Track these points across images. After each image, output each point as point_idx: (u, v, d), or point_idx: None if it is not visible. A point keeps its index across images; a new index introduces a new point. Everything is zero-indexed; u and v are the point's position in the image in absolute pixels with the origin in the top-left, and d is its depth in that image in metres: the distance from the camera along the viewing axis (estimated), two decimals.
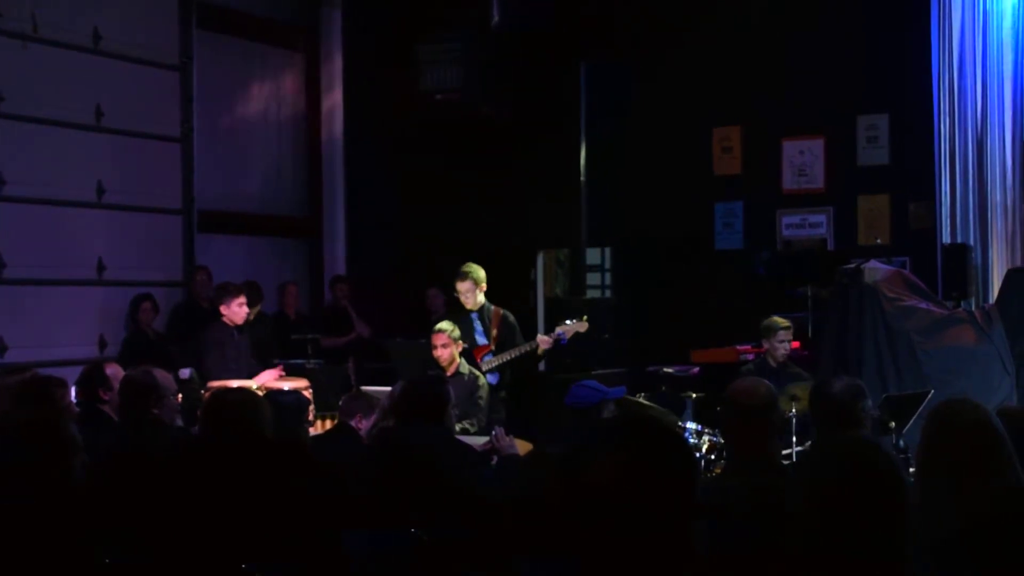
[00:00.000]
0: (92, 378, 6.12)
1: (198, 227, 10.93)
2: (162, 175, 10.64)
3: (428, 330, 8.18)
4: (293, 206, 12.32)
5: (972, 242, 10.01)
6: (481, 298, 8.37)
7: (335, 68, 12.46)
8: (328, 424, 7.95)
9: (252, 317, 9.83)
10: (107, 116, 10.07)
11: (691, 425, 7.19)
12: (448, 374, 7.68)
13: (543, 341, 8.27)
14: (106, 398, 6.04)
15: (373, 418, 6.06)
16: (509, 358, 8.28)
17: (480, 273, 8.34)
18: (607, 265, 11.92)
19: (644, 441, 2.10)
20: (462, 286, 8.30)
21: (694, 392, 8.35)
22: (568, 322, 8.38)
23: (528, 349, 8.27)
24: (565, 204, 11.38)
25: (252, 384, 8.06)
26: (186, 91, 10.82)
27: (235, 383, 7.74)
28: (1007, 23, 9.91)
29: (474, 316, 8.32)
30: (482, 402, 7.86)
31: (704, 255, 11.22)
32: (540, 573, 3.16)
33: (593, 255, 11.75)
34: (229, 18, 11.49)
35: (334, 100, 12.48)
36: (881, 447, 2.87)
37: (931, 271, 9.96)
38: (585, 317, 8.47)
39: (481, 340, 8.35)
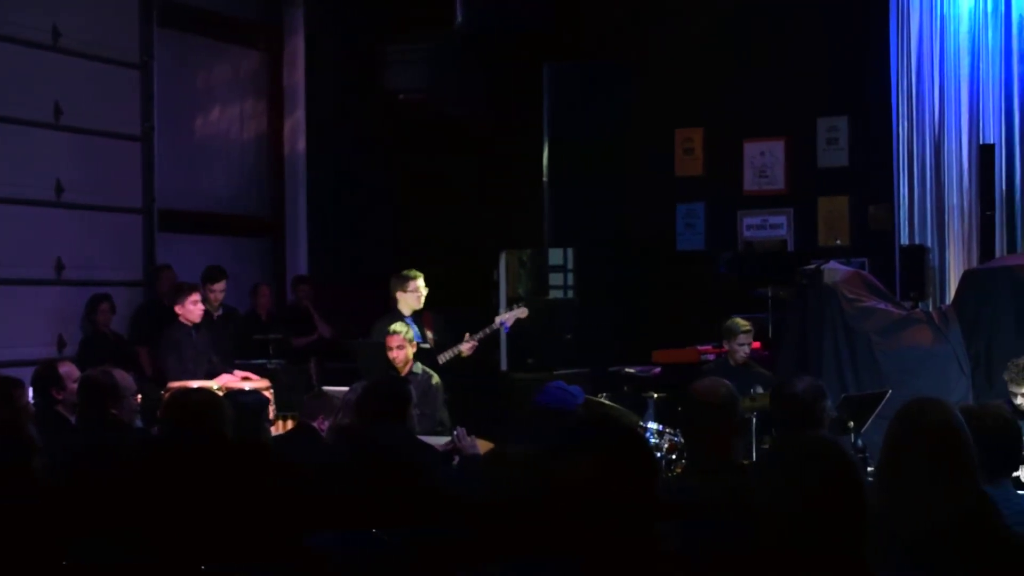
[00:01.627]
0: (45, 378, 6.06)
1: (159, 226, 10.85)
2: (122, 174, 10.56)
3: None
4: (255, 206, 12.26)
5: (930, 244, 10.12)
6: (421, 303, 8.59)
7: (298, 68, 12.40)
8: (289, 424, 7.93)
9: (220, 309, 9.80)
10: (66, 114, 9.98)
11: (653, 425, 7.22)
12: (403, 375, 7.72)
13: (466, 348, 8.36)
14: (60, 398, 5.99)
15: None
16: (446, 359, 8.40)
17: (421, 279, 8.59)
18: (569, 266, 11.95)
19: (606, 443, 2.12)
20: (405, 292, 8.51)
21: (656, 392, 8.39)
22: (506, 311, 8.58)
23: (454, 354, 8.38)
24: (528, 205, 11.40)
25: (213, 384, 8.03)
26: (147, 89, 10.73)
27: (195, 383, 7.71)
28: (963, 28, 10.03)
29: (409, 320, 8.38)
30: (438, 401, 7.90)
31: (666, 256, 11.28)
32: (504, 573, 3.17)
33: (555, 256, 11.77)
34: (191, 16, 11.41)
35: (297, 99, 12.42)
36: (842, 447, 2.90)
37: (889, 272, 10.06)
38: (523, 303, 8.65)
39: (417, 343, 8.43)
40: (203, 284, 9.70)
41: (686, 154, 11.35)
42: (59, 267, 9.99)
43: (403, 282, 8.55)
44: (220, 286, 9.75)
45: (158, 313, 9.86)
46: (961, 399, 7.82)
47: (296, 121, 12.39)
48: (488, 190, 11.49)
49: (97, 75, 10.30)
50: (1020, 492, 4.47)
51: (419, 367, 7.98)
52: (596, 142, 11.21)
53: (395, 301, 8.61)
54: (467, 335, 8.54)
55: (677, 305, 10.80)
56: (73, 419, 5.88)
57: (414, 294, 8.53)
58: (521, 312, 8.62)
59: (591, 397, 7.25)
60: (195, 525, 3.95)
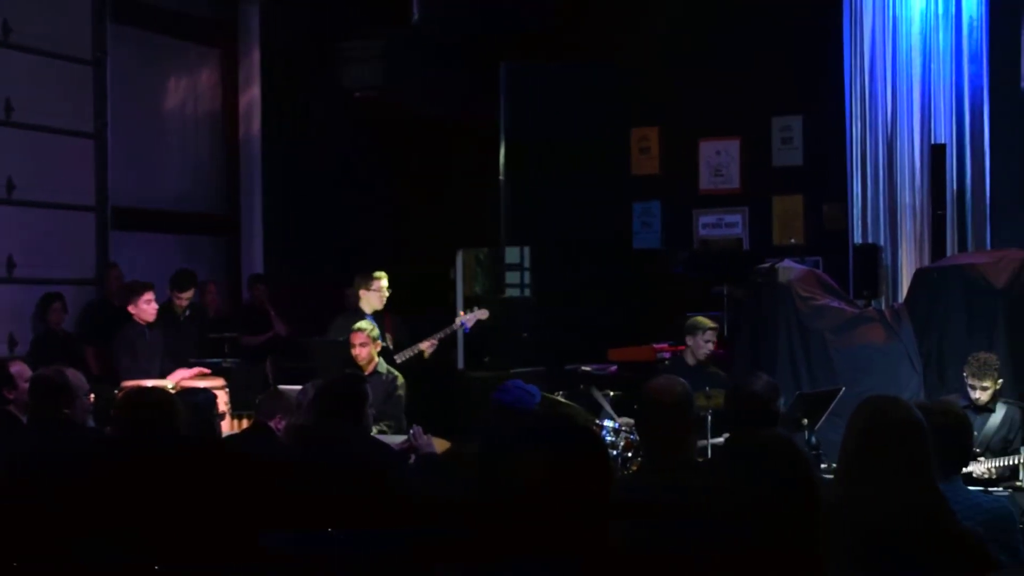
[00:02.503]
0: None
1: (112, 224, 10.76)
2: (75, 171, 10.46)
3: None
4: (210, 204, 12.18)
5: (882, 242, 10.22)
6: (383, 303, 8.63)
7: (253, 64, 12.32)
8: (245, 423, 7.88)
9: (187, 310, 9.76)
10: (17, 111, 9.87)
11: (608, 423, 7.24)
12: (366, 373, 7.68)
13: (426, 347, 8.39)
14: (11, 397, 5.93)
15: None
16: (405, 358, 8.40)
17: (386, 280, 8.64)
18: (526, 264, 11.96)
19: (561, 442, 2.12)
20: (368, 292, 8.55)
21: (612, 390, 8.41)
22: (467, 312, 8.61)
23: (413, 353, 8.39)
24: (485, 203, 11.40)
25: (167, 383, 7.97)
26: (100, 86, 10.63)
27: (149, 382, 7.65)
28: (915, 29, 10.14)
29: (370, 318, 8.38)
30: (401, 401, 7.89)
31: (622, 254, 11.32)
32: (460, 572, 3.17)
33: (512, 254, 11.79)
34: (145, 12, 11.32)
35: (252, 96, 12.35)
36: (795, 444, 2.93)
37: (843, 271, 10.15)
38: (482, 304, 8.70)
39: (381, 342, 8.43)
40: (171, 290, 9.68)
41: (642, 153, 11.40)
42: (11, 265, 9.88)
43: (368, 280, 8.57)
44: (188, 294, 9.74)
45: (107, 312, 9.79)
46: (913, 396, 7.90)
47: (252, 120, 12.32)
48: (445, 189, 11.49)
49: (49, 71, 10.20)
50: (970, 488, 4.53)
51: (384, 366, 7.95)
52: (552, 141, 11.22)
53: (357, 299, 8.61)
54: (428, 341, 8.55)
55: (633, 303, 10.84)
56: (25, 419, 5.81)
57: (377, 293, 8.55)
58: (482, 314, 8.67)
59: (547, 395, 7.26)
60: (149, 525, 3.93)
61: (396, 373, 8.00)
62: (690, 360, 8.28)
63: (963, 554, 3.18)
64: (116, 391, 7.47)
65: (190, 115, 11.92)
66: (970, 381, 7.01)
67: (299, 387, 7.11)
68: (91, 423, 5.96)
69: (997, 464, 6.58)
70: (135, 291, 8.70)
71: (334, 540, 4.05)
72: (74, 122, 10.43)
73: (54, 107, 10.20)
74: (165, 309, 9.73)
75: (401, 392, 7.92)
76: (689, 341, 8.27)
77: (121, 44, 10.88)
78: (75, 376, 5.60)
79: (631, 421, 7.14)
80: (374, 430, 7.24)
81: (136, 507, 3.96)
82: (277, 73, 12.23)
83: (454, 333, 8.82)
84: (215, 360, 9.52)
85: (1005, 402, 7.17)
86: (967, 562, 3.12)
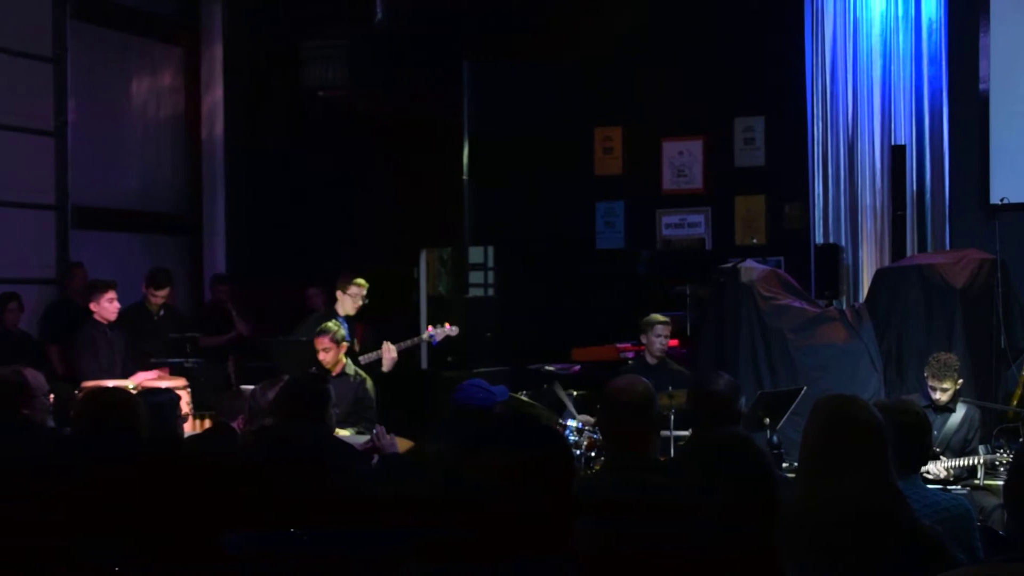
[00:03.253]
0: None
1: (73, 223, 10.67)
2: (35, 170, 10.37)
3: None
4: (172, 203, 12.11)
5: (843, 243, 10.28)
6: (355, 309, 8.59)
7: (216, 63, 12.26)
8: (207, 423, 7.84)
9: (161, 310, 9.70)
10: None
11: (572, 423, 7.25)
12: (333, 375, 7.65)
13: (387, 352, 8.36)
14: None
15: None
16: (368, 360, 8.39)
17: (366, 288, 8.60)
18: (490, 264, 11.97)
19: (521, 440, 2.13)
20: (347, 296, 8.49)
21: (575, 390, 8.42)
22: (436, 327, 8.62)
23: (373, 359, 8.42)
24: (448, 203, 11.40)
25: (128, 383, 7.92)
26: (60, 84, 10.54)
27: (110, 382, 7.60)
28: (876, 31, 10.22)
29: (342, 320, 8.36)
30: (371, 402, 7.85)
31: (586, 254, 11.34)
32: (422, 571, 3.17)
33: (476, 254, 11.78)
34: (106, 10, 11.23)
35: (215, 95, 12.29)
36: (756, 443, 2.95)
37: (804, 270, 10.22)
38: (455, 322, 8.70)
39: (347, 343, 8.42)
40: (146, 287, 9.61)
41: (605, 153, 11.43)
42: None
43: (347, 284, 8.53)
44: (163, 292, 9.66)
45: (70, 312, 9.71)
46: (873, 395, 7.97)
47: (214, 119, 12.25)
48: (408, 188, 11.47)
49: (9, 68, 10.10)
50: (929, 486, 4.57)
51: (351, 367, 7.91)
52: (516, 140, 11.23)
53: (329, 299, 8.59)
54: (386, 344, 8.50)
55: (597, 303, 10.86)
56: None
57: (351, 299, 8.50)
58: (452, 331, 8.67)
59: (513, 395, 7.27)
60: (109, 526, 3.90)
61: (364, 375, 7.98)
62: (650, 359, 8.30)
63: (922, 552, 3.21)
64: (76, 391, 7.42)
65: (152, 114, 11.85)
66: (931, 382, 7.06)
67: (252, 388, 7.09)
68: (51, 423, 5.91)
69: (955, 464, 6.64)
70: (98, 289, 8.64)
71: (296, 541, 4.04)
72: (34, 120, 10.34)
73: (14, 105, 10.10)
74: (139, 308, 9.67)
75: (371, 393, 7.89)
76: (644, 339, 8.30)
77: (82, 42, 10.80)
78: (34, 376, 5.56)
79: (590, 419, 7.17)
80: (350, 432, 7.22)
81: (95, 508, 3.94)
82: (240, 72, 12.17)
83: (420, 344, 8.82)
84: (177, 360, 9.46)
85: (965, 402, 7.23)
86: (926, 560, 3.15)
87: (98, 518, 3.95)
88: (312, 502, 4.36)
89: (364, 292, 8.55)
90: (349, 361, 7.93)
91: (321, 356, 7.76)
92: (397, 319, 9.98)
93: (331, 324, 7.93)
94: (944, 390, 7.02)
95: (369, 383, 7.92)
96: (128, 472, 4.16)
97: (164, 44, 12.00)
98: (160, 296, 9.65)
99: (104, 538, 3.91)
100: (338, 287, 8.59)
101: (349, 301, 8.49)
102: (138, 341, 9.22)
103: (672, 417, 6.97)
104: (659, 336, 8.24)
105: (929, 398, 7.03)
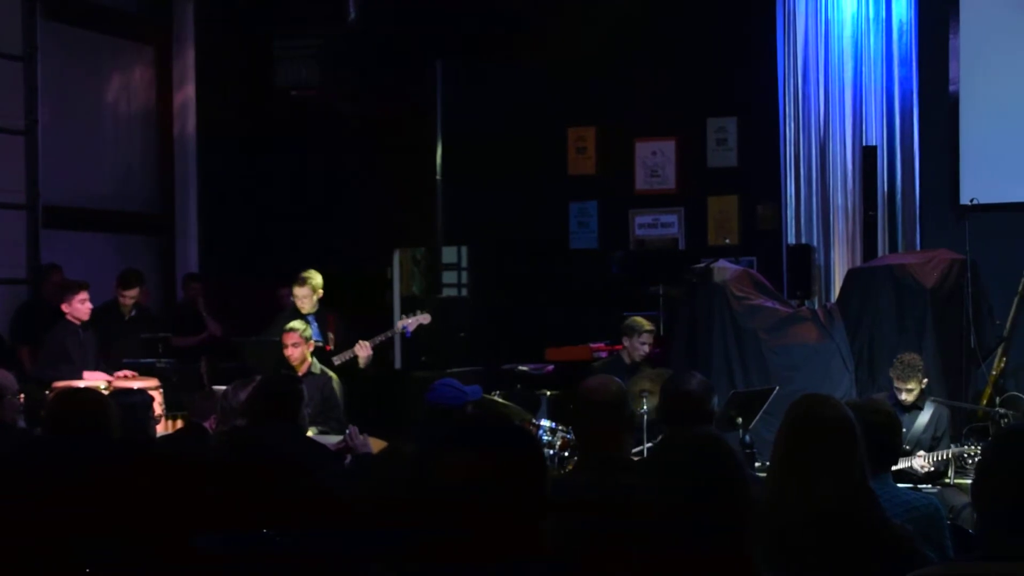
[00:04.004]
0: None
1: (44, 223, 10.60)
2: (5, 169, 10.29)
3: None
4: (144, 202, 12.05)
5: (815, 243, 10.34)
6: (317, 303, 8.49)
7: (187, 62, 12.21)
8: (179, 424, 7.81)
9: (133, 310, 9.64)
10: None
11: (545, 423, 7.25)
12: (299, 373, 7.64)
13: (361, 349, 8.31)
14: None
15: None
16: (343, 360, 8.36)
17: (318, 279, 8.52)
18: (463, 264, 11.96)
19: (492, 440, 2.13)
20: (301, 291, 8.45)
21: (549, 390, 8.43)
22: (409, 316, 8.58)
23: (349, 358, 8.35)
24: (422, 202, 11.39)
25: (99, 383, 7.88)
26: (31, 82, 10.47)
27: (81, 383, 7.56)
28: (847, 32, 10.27)
29: (311, 319, 8.33)
30: (338, 400, 7.84)
31: (559, 254, 11.35)
32: (394, 572, 3.17)
33: (449, 254, 11.78)
34: (77, 9, 11.17)
35: (186, 94, 12.23)
36: (727, 443, 2.95)
37: (777, 271, 10.26)
38: (427, 309, 8.66)
39: (316, 341, 8.37)
40: (117, 288, 9.55)
41: (579, 153, 11.44)
42: None
43: (299, 281, 8.48)
44: (133, 292, 9.60)
45: (42, 313, 9.65)
46: (845, 394, 8.01)
47: (186, 118, 12.20)
48: (382, 188, 11.45)
49: None
50: (899, 485, 4.60)
51: (317, 367, 7.90)
52: (489, 140, 11.23)
53: (294, 298, 8.55)
54: (360, 342, 8.46)
55: (570, 303, 10.88)
56: None
57: (306, 296, 8.44)
58: (424, 318, 8.59)
59: (487, 395, 7.27)
60: (80, 526, 3.88)
61: (331, 373, 7.96)
62: (627, 359, 8.29)
63: (892, 551, 3.23)
64: (47, 392, 7.38)
65: (123, 113, 11.78)
66: (896, 383, 7.13)
67: (224, 388, 7.06)
68: (22, 424, 5.88)
69: (933, 457, 6.70)
70: (70, 289, 8.59)
71: (269, 541, 4.03)
72: (4, 119, 10.27)
73: None
74: (110, 308, 9.62)
75: (337, 391, 7.88)
76: (626, 342, 8.24)
77: (53, 41, 10.73)
78: (4, 376, 5.53)
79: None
80: (314, 431, 7.21)
81: (66, 509, 3.92)
82: (212, 71, 12.13)
83: (394, 337, 8.77)
84: (149, 360, 9.42)
85: (933, 401, 7.29)
86: (896, 559, 3.16)
87: (69, 519, 3.93)
88: (285, 503, 4.35)
89: (315, 283, 8.45)
90: (315, 360, 7.92)
91: (288, 351, 7.74)
92: (371, 318, 9.94)
93: (297, 323, 7.92)
94: (909, 390, 7.09)
95: (335, 381, 7.91)
96: (99, 473, 4.14)
97: (136, 43, 11.94)
98: (129, 296, 9.60)
99: (75, 539, 3.89)
100: (293, 285, 8.56)
101: (305, 298, 8.45)
102: (110, 342, 9.18)
103: (645, 417, 6.97)
104: (644, 344, 8.15)
105: (896, 398, 7.09)
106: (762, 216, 10.80)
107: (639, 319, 8.32)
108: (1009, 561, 2.37)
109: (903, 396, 7.09)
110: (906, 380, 7.08)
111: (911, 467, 6.66)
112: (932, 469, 6.69)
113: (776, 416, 3.56)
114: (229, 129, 12.02)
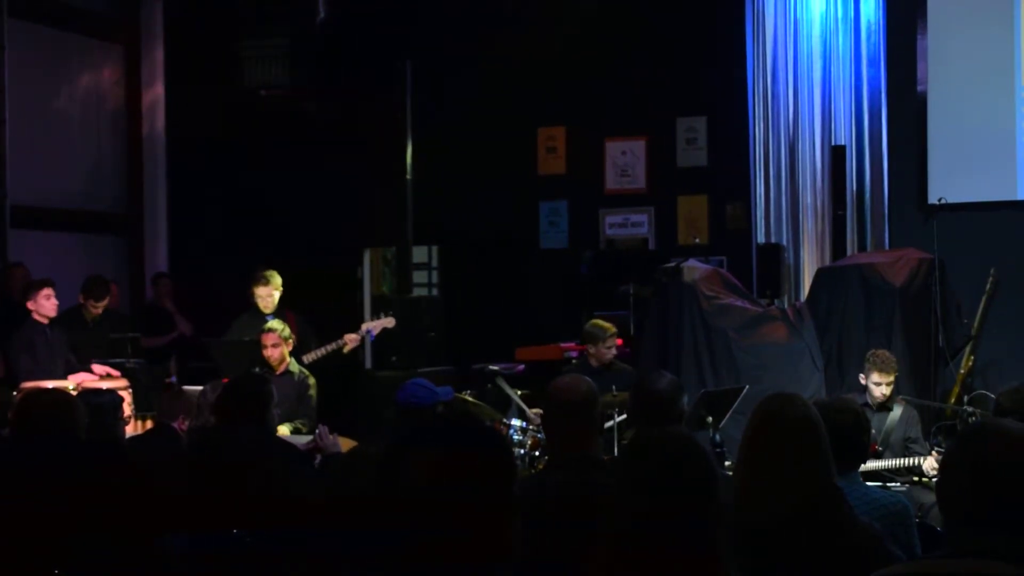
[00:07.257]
0: None
1: (11, 222, 10.52)
2: None
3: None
4: (112, 202, 11.98)
5: (785, 242, 10.38)
6: (276, 302, 8.48)
7: (156, 61, 12.15)
8: (148, 424, 7.77)
9: (100, 313, 9.56)
10: None
11: (516, 422, 7.26)
12: (277, 373, 7.63)
13: (351, 339, 8.36)
14: None
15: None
16: (316, 357, 8.33)
17: (279, 279, 8.49)
18: (434, 263, 11.95)
19: (460, 439, 2.13)
20: (264, 290, 8.43)
21: (519, 389, 8.43)
22: (373, 320, 8.59)
23: (335, 347, 8.34)
24: (391, 202, 11.35)
25: (68, 384, 7.82)
26: None
27: (50, 383, 7.51)
28: (816, 32, 10.33)
29: (270, 318, 8.31)
30: (312, 401, 7.83)
31: (529, 254, 11.36)
32: (363, 572, 3.16)
33: (419, 253, 11.75)
34: (44, 7, 11.09)
35: (155, 94, 12.17)
36: (698, 442, 2.96)
37: (746, 270, 10.30)
38: (391, 313, 8.68)
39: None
40: (85, 298, 9.43)
41: (549, 152, 11.45)
42: None
43: (262, 280, 8.47)
44: (104, 303, 9.51)
45: (7, 312, 9.57)
46: (814, 393, 8.05)
47: (155, 117, 12.14)
48: (351, 187, 11.42)
49: None
50: (868, 484, 4.63)
51: (295, 366, 7.89)
52: (460, 140, 11.23)
53: (256, 297, 8.51)
54: (345, 335, 8.47)
55: (541, 303, 10.89)
56: None
57: (268, 295, 8.42)
58: (388, 321, 8.66)
59: (458, 395, 7.26)
60: (48, 528, 3.86)
61: (307, 373, 7.95)
62: (594, 363, 8.14)
63: (859, 550, 3.24)
64: (15, 392, 7.32)
65: (92, 112, 11.71)
66: (875, 377, 7.12)
67: (202, 388, 7.04)
68: None
69: (899, 463, 6.74)
70: (34, 287, 8.53)
71: (238, 542, 4.02)
72: None
73: None
74: (74, 313, 9.53)
75: (312, 392, 7.87)
76: (591, 349, 8.07)
77: (19, 39, 10.65)
78: None
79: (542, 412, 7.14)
80: (288, 428, 7.20)
81: (33, 511, 3.89)
82: (181, 70, 12.07)
83: (361, 339, 8.79)
84: (118, 360, 9.36)
85: (902, 399, 7.33)
86: (863, 557, 3.18)
87: (37, 521, 3.90)
88: (254, 503, 4.33)
89: (276, 282, 8.41)
90: (293, 360, 7.91)
91: (268, 352, 7.73)
92: (340, 319, 9.90)
93: (276, 323, 7.90)
94: (889, 384, 7.11)
95: (312, 381, 7.90)
96: (66, 474, 4.11)
97: (104, 42, 11.87)
98: (100, 307, 9.51)
99: (43, 541, 3.86)
100: (252, 285, 8.53)
101: (268, 297, 8.43)
102: (76, 346, 9.10)
103: (616, 417, 6.99)
104: (608, 348, 8.06)
105: (866, 397, 7.10)
106: (732, 215, 10.83)
107: (599, 323, 8.13)
108: (973, 558, 2.39)
109: (883, 390, 7.10)
110: (887, 372, 7.09)
111: (921, 467, 6.67)
112: (898, 469, 6.73)
113: (746, 415, 3.57)
114: (198, 128, 11.96)
